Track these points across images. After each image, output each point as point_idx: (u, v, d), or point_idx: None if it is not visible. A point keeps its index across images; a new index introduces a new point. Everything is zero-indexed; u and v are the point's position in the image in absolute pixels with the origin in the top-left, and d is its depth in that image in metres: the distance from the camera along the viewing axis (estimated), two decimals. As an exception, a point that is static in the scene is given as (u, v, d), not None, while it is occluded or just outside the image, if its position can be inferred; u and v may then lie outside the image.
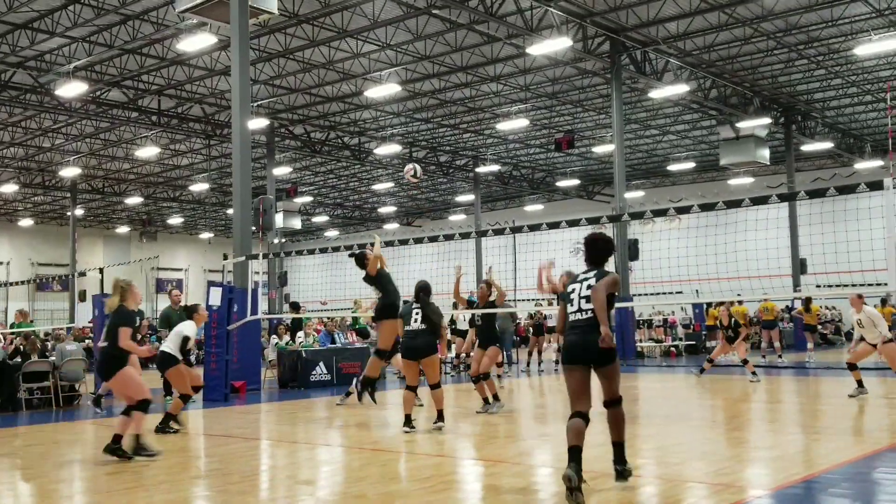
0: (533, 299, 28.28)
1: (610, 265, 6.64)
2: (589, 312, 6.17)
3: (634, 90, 27.33)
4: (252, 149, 22.84)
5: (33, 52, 23.34)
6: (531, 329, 22.41)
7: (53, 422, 12.13)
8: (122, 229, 51.03)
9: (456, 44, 23.23)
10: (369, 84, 26.08)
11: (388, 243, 14.31)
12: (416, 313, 9.77)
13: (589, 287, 6.22)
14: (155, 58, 23.93)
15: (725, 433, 9.54)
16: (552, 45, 21.09)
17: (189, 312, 10.76)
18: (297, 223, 37.26)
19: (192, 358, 12.00)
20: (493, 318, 12.20)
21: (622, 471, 6.32)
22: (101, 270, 29.42)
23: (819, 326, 26.58)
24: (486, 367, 11.48)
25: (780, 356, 21.54)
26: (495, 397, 11.41)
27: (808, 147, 32.88)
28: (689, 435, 9.01)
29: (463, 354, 19.07)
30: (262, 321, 19.97)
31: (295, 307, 21.04)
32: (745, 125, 28.01)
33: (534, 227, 13.02)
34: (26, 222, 47.54)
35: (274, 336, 18.59)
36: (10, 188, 38.33)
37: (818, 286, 28.45)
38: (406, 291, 13.54)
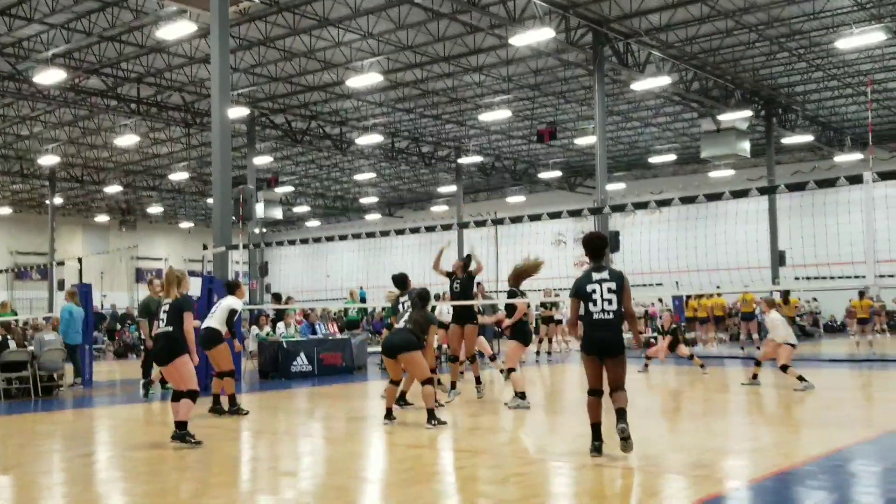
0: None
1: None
2: (610, 314, 7.18)
3: (617, 82, 27.37)
4: (232, 138, 22.65)
5: (11, 39, 23.04)
6: (538, 320, 22.47)
7: (32, 412, 12.02)
8: (102, 218, 50.61)
9: (438, 34, 23.16)
10: (351, 73, 25.96)
11: (370, 234, 14.27)
12: (407, 314, 9.78)
13: (610, 290, 7.20)
14: (134, 45, 23.70)
15: (704, 424, 9.60)
16: (535, 36, 21.07)
17: (231, 288, 10.91)
18: (277, 213, 37.06)
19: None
20: (469, 292, 12.01)
21: (622, 429, 7.00)
22: (79, 260, 29.18)
23: (797, 318, 26.82)
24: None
25: (758, 348, 21.71)
26: (453, 385, 11.50)
27: (789, 140, 33.08)
28: (668, 426, 9.07)
29: (444, 346, 19.08)
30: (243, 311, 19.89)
31: (277, 298, 21.02)
32: (727, 118, 28.13)
33: (516, 219, 13.03)
34: (4, 211, 47.02)
35: (255, 327, 18.52)
36: (-12, 176, 37.94)
37: (797, 278, 28.68)
38: (387, 283, 13.49)
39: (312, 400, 13.32)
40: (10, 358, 13.29)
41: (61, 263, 34.25)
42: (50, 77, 23.66)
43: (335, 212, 53.30)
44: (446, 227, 13.22)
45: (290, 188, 44.64)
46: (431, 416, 9.15)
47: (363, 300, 26.78)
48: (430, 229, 13.08)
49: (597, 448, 7.21)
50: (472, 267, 11.91)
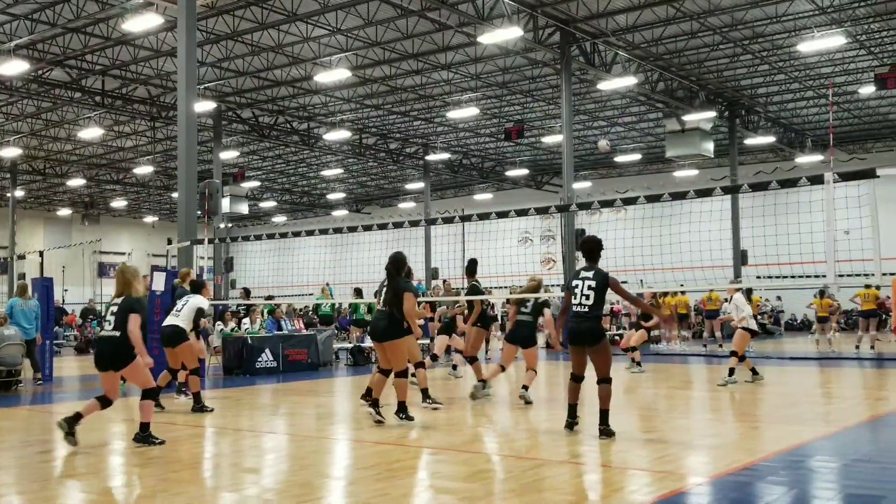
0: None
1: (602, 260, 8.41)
2: (586, 308, 8.03)
3: (584, 81, 27.54)
4: (198, 132, 22.48)
5: (-29, 28, 22.64)
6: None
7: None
8: (64, 212, 49.87)
9: (407, 30, 23.13)
10: (319, 69, 25.84)
11: (337, 230, 14.23)
12: (384, 292, 9.31)
13: (589, 287, 8.03)
14: (99, 37, 23.38)
15: (668, 421, 9.71)
16: (503, 35, 21.14)
17: (197, 287, 10.84)
18: (243, 208, 36.80)
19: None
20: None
21: (604, 430, 7.93)
22: (41, 253, 28.76)
23: (759, 316, 27.21)
24: (475, 350, 11.97)
25: (720, 345, 22.00)
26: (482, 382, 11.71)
27: (751, 141, 33.53)
28: (632, 423, 9.15)
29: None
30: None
31: (247, 293, 20.90)
32: (691, 118, 28.45)
33: (483, 216, 13.08)
34: (-37, 203, 46.19)
35: (219, 322, 18.38)
36: (-54, 168, 37.20)
37: (759, 277, 29.07)
38: (353, 279, 13.46)
39: (277, 396, 13.25)
40: (-32, 353, 13.05)
41: (22, 257, 33.68)
42: (13, 68, 23.24)
43: (302, 207, 53.02)
44: (414, 224, 13.20)
45: (256, 183, 44.34)
46: (402, 409, 9.10)
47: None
48: (397, 226, 13.06)
49: (569, 425, 8.29)
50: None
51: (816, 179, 9.00)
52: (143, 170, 39.79)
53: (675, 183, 35.70)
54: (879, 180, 8.56)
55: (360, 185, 48.32)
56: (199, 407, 10.44)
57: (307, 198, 51.22)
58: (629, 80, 25.15)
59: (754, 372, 12.88)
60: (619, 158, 39.25)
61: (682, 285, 20.72)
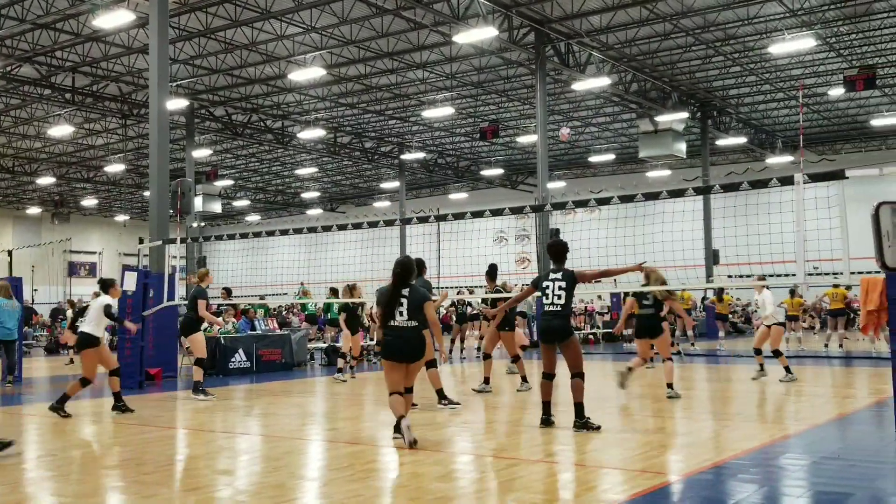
0: (456, 287, 28.44)
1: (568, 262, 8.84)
2: (558, 306, 8.41)
3: (558, 82, 27.65)
4: (171, 130, 22.30)
5: (-63, 24, 22.28)
6: (454, 317, 22.49)
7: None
8: (33, 210, 49.23)
9: (382, 29, 23.09)
10: (293, 67, 25.72)
11: (312, 229, 14.17)
12: (402, 303, 7.87)
13: (560, 287, 8.42)
14: (69, 33, 23.10)
15: (641, 420, 9.78)
16: (478, 34, 21.17)
17: (105, 286, 10.75)
18: (216, 207, 36.57)
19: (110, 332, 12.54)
20: (497, 301, 12.85)
21: (581, 423, 8.31)
22: (9, 252, 28.40)
23: (730, 315, 27.46)
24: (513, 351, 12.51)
25: (692, 344, 22.19)
26: (523, 378, 12.41)
27: (723, 142, 33.87)
28: (605, 422, 9.19)
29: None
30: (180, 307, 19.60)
31: (228, 292, 20.75)
32: (664, 119, 28.67)
33: (458, 216, 13.07)
34: (-71, 201, 45.50)
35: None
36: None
37: (730, 276, 29.33)
38: (328, 278, 13.39)
39: (251, 397, 13.17)
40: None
41: (-10, 256, 33.23)
42: (-21, 64, 22.95)
43: (276, 206, 52.75)
44: (389, 223, 13.18)
45: (229, 182, 44.06)
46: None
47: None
48: (372, 225, 13.03)
49: (544, 421, 8.58)
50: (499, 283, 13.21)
51: (787, 180, 9.09)
52: (115, 168, 39.42)
53: (649, 183, 35.98)
54: (848, 181, 8.67)
55: (334, 184, 48.17)
56: (119, 406, 10.43)
57: (281, 197, 50.97)
58: (603, 81, 25.29)
59: (788, 370, 13.16)
60: (594, 158, 39.46)
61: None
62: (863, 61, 25.95)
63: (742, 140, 33.86)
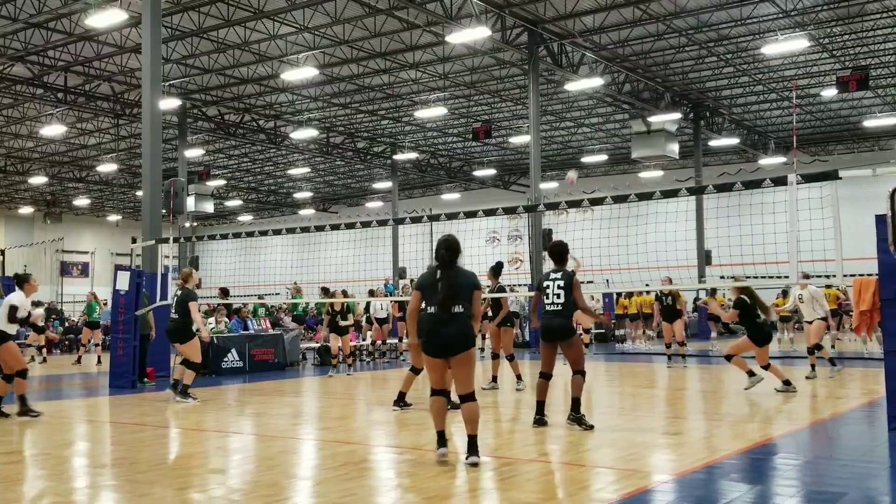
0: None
1: (570, 262, 9.20)
2: (559, 306, 8.53)
3: (551, 82, 27.67)
4: (163, 129, 22.24)
5: (-71, 22, 22.18)
6: None
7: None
8: (25, 210, 49.04)
9: (375, 29, 23.08)
10: (286, 67, 25.69)
11: (304, 229, 14.15)
12: (453, 287, 6.82)
13: (559, 287, 8.54)
14: (62, 33, 23.02)
15: (633, 420, 9.79)
16: (471, 35, 21.17)
17: (19, 282, 10.20)
18: (209, 207, 36.46)
19: (33, 331, 12.68)
20: (499, 298, 12.92)
21: (575, 417, 8.49)
22: (1, 252, 28.27)
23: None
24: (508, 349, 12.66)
25: (682, 343, 22.17)
26: (518, 377, 12.51)
27: (716, 142, 33.93)
28: (598, 422, 9.21)
29: (380, 342, 19.07)
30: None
31: (224, 292, 20.72)
32: (656, 120, 28.72)
33: (451, 216, 13.06)
34: (-79, 201, 45.28)
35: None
36: None
37: (722, 277, 29.40)
38: (321, 279, 13.32)
39: (244, 396, 13.16)
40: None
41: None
42: (-29, 63, 22.85)
43: (269, 206, 52.67)
44: (382, 223, 13.18)
45: (222, 182, 43.96)
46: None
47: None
48: (365, 225, 13.02)
49: (538, 421, 8.68)
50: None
51: (780, 181, 9.12)
52: (107, 168, 39.26)
53: (641, 183, 36.02)
54: (841, 182, 8.70)
55: (327, 184, 48.12)
56: (24, 410, 9.96)
57: (274, 196, 50.89)
58: (596, 82, 25.32)
59: (833, 362, 14.10)
60: (586, 159, 39.52)
61: (647, 285, 20.92)
62: (856, 62, 26.05)
63: (735, 141, 33.95)
